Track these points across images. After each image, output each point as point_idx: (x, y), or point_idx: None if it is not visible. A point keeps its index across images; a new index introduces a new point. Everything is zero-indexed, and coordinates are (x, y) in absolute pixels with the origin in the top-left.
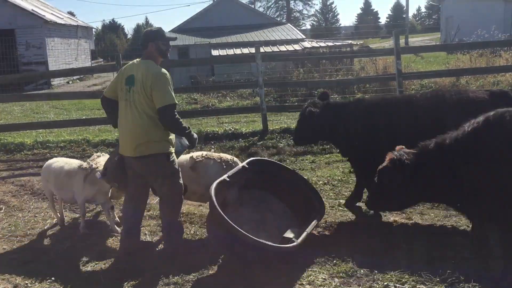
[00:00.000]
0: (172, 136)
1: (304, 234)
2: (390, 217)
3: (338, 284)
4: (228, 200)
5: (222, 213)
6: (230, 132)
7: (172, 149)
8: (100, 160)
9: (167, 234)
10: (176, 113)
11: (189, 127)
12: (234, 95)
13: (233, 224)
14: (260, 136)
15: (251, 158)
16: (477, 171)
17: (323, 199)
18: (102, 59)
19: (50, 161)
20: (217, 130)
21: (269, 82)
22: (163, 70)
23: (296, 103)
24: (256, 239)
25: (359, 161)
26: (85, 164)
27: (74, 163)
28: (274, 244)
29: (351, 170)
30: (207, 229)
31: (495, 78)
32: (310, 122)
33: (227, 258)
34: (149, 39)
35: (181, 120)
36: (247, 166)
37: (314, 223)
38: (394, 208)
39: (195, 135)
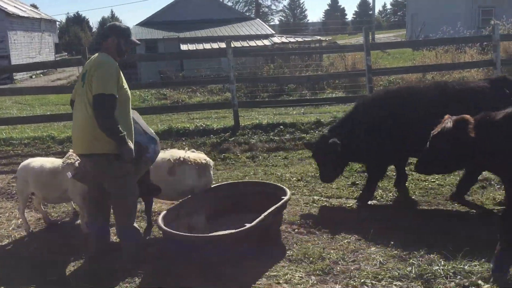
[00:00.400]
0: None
1: (258, 219)
2: (365, 212)
3: (315, 281)
4: (195, 226)
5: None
6: (201, 128)
7: (115, 151)
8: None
9: (122, 242)
10: (109, 107)
11: (122, 133)
12: (204, 91)
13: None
14: (231, 132)
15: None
16: None
17: (295, 194)
18: (66, 53)
19: (27, 161)
20: (188, 126)
21: (240, 77)
22: (110, 59)
23: (267, 99)
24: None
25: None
26: (68, 160)
27: (56, 161)
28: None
29: None
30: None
31: (460, 74)
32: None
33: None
34: (112, 32)
35: (114, 118)
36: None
37: (271, 209)
38: (443, 171)
39: (130, 146)
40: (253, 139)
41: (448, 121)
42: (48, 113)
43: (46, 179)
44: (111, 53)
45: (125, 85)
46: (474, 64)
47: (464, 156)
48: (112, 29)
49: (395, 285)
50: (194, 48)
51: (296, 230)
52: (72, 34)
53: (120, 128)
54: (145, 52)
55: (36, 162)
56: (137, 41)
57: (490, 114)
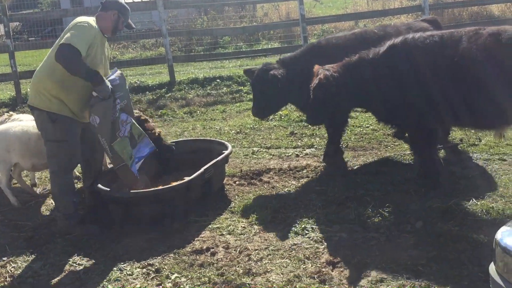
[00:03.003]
0: (69, 99)
1: (197, 172)
2: (303, 161)
3: (257, 230)
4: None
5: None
6: (136, 85)
7: (62, 112)
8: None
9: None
10: (72, 55)
11: (94, 71)
12: (136, 46)
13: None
14: (167, 88)
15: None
16: (393, 84)
17: (235, 147)
18: None
19: (3, 127)
20: None
21: (173, 31)
22: (85, 20)
23: (202, 52)
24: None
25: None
26: None
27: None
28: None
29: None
30: None
31: (391, 20)
32: None
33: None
34: (116, 8)
35: (80, 61)
36: None
37: (210, 163)
38: (329, 120)
39: (107, 84)
40: (190, 94)
41: (319, 73)
42: None
43: (36, 145)
44: (105, 25)
45: (96, 58)
46: (404, 10)
47: (342, 101)
48: (117, 5)
49: (334, 227)
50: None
51: (237, 182)
52: None
53: (91, 68)
54: (71, 7)
55: (17, 127)
56: (133, 25)
57: (350, 60)
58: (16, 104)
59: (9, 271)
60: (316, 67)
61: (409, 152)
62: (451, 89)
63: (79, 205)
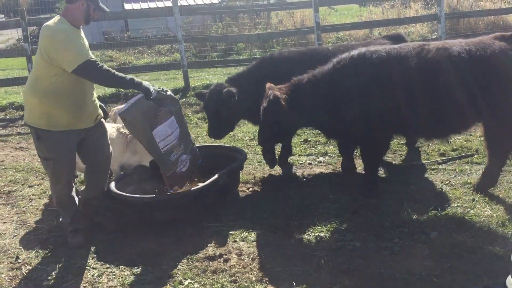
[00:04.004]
0: (59, 111)
1: (211, 179)
2: (317, 169)
3: (270, 238)
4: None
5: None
6: None
7: (51, 127)
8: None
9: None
10: (95, 68)
11: (126, 77)
12: (151, 52)
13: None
14: (182, 93)
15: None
16: (341, 101)
17: (248, 153)
18: (3, 15)
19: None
20: None
21: (188, 37)
22: (63, 26)
23: (216, 59)
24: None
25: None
26: (122, 129)
27: (109, 125)
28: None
29: None
30: None
31: (406, 29)
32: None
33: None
34: None
35: (107, 71)
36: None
37: (225, 170)
38: (280, 139)
39: (145, 85)
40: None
41: (268, 94)
42: None
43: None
44: (75, 18)
45: None
46: (419, 19)
47: (292, 121)
48: None
49: (348, 236)
50: (139, 7)
51: (251, 188)
52: None
53: (120, 74)
54: None
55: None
56: (106, 8)
57: (299, 79)
58: None
59: (24, 273)
60: (268, 85)
61: (424, 161)
62: (401, 101)
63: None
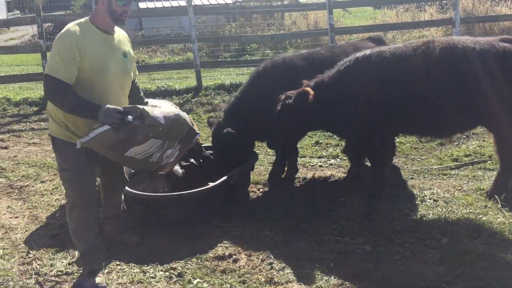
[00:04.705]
0: (71, 121)
1: (221, 179)
2: (327, 171)
3: (280, 239)
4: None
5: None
6: (163, 89)
7: (64, 137)
8: None
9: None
10: (52, 91)
11: (82, 105)
12: (165, 51)
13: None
14: (194, 92)
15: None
16: (346, 104)
17: (259, 154)
18: (19, 11)
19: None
20: (150, 87)
21: (202, 36)
22: (64, 30)
23: (229, 59)
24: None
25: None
26: None
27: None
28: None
29: None
30: None
31: (420, 33)
32: None
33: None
34: None
35: (62, 97)
36: None
37: (235, 170)
38: (295, 141)
39: (103, 108)
40: (216, 99)
41: (287, 96)
42: (2, 74)
43: None
44: (102, 20)
45: (92, 61)
46: (434, 22)
47: (309, 124)
48: None
49: (358, 240)
50: (154, 6)
51: (261, 189)
52: None
53: (79, 101)
54: None
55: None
56: None
57: (321, 78)
58: (45, 103)
59: (35, 268)
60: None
61: (436, 166)
62: (410, 100)
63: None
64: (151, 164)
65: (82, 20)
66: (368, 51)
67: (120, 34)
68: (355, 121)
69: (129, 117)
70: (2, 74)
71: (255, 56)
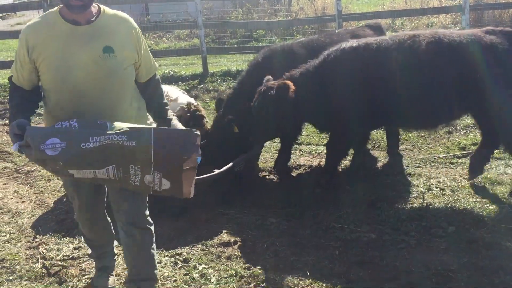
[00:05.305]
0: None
1: (226, 166)
2: None
3: (285, 227)
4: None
5: None
6: (169, 75)
7: None
8: None
9: None
10: (10, 86)
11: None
12: (171, 36)
13: None
14: (200, 79)
15: None
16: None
17: None
18: None
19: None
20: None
21: (208, 22)
22: (28, 26)
23: (235, 45)
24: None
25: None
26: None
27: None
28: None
29: None
30: None
31: (429, 20)
32: None
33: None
34: None
35: (9, 97)
36: None
37: (241, 157)
38: (275, 134)
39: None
40: (222, 86)
41: (265, 89)
42: (9, 59)
43: None
44: (64, 7)
45: (48, 61)
46: (443, 9)
47: (288, 116)
48: None
49: (364, 227)
50: None
51: (267, 177)
52: None
53: (12, 109)
54: None
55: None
56: None
57: (291, 74)
58: None
59: (41, 253)
60: (266, 78)
61: (443, 155)
62: (394, 93)
63: None
64: (141, 187)
65: (53, 9)
66: (355, 43)
67: (108, 23)
68: (336, 113)
69: (17, 144)
70: (9, 59)
71: (262, 42)
